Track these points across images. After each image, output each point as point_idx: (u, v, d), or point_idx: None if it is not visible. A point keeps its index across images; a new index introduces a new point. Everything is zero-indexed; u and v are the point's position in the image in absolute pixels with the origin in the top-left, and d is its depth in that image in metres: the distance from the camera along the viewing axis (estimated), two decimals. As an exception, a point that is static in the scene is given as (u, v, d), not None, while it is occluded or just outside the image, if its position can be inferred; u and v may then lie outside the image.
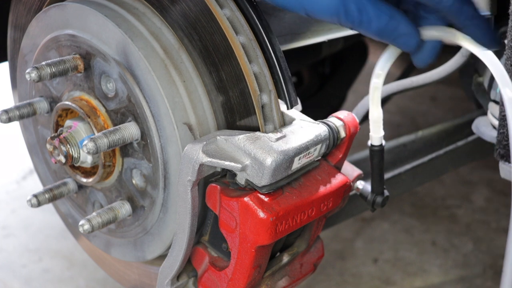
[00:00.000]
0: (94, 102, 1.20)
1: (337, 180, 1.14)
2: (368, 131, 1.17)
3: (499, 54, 1.37)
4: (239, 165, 1.04)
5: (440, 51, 1.10)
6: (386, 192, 1.26)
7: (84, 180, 1.26)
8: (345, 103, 2.42)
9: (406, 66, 2.16)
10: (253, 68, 1.10)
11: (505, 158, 1.21)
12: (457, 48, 1.40)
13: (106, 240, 1.32)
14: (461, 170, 2.64)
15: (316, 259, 1.24)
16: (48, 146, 1.23)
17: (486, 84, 1.41)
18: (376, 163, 1.20)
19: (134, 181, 1.20)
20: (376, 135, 1.17)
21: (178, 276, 1.18)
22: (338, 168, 1.18)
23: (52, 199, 1.31)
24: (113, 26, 1.13)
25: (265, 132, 1.10)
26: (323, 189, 1.11)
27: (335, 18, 1.01)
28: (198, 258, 1.17)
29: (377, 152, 1.18)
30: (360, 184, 1.27)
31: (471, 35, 1.06)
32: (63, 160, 1.22)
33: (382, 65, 1.12)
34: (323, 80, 2.32)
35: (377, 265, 2.23)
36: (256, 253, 1.07)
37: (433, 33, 1.07)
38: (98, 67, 1.18)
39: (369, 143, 1.19)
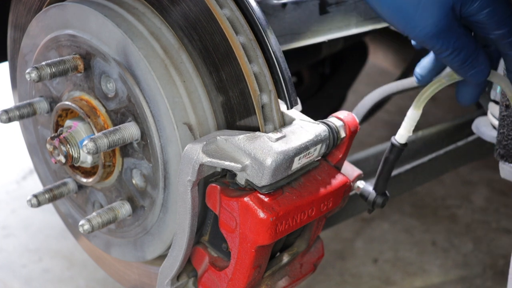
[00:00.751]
0: (94, 102, 1.20)
1: (337, 180, 1.14)
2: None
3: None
4: (239, 165, 1.04)
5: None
6: (386, 193, 1.26)
7: (84, 180, 1.26)
8: (345, 103, 2.42)
9: (406, 66, 2.16)
10: (253, 68, 1.10)
11: (505, 158, 1.21)
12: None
13: (106, 240, 1.32)
14: (461, 170, 2.64)
15: (316, 259, 1.24)
16: (48, 146, 1.23)
17: (486, 84, 1.41)
18: (391, 160, 1.19)
19: (134, 181, 1.20)
20: (406, 133, 1.17)
21: (178, 276, 1.18)
22: (338, 168, 1.18)
23: (52, 199, 1.31)
24: (113, 26, 1.13)
25: (265, 132, 1.10)
26: (323, 189, 1.11)
27: (429, 44, 1.07)
28: (198, 258, 1.17)
29: (398, 150, 1.18)
30: (360, 184, 1.27)
31: None
32: (63, 160, 1.22)
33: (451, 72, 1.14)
34: (323, 80, 2.32)
35: (377, 265, 2.23)
36: (256, 253, 1.07)
37: (498, 79, 1.13)
38: (98, 67, 1.18)
39: (393, 139, 1.18)
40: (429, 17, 1.05)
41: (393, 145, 1.18)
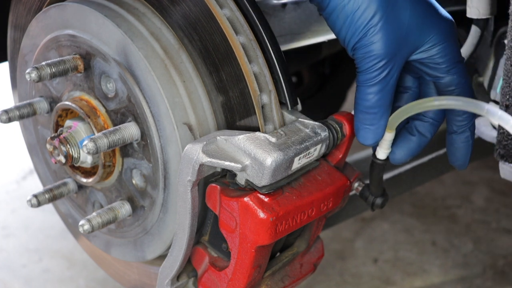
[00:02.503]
0: (94, 102, 1.20)
1: (337, 180, 1.14)
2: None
3: (499, 54, 1.37)
4: (239, 165, 1.04)
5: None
6: (386, 193, 1.25)
7: (84, 180, 1.26)
8: (345, 103, 2.42)
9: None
10: (253, 68, 1.10)
11: (505, 158, 1.21)
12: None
13: (106, 240, 1.32)
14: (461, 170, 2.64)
15: (316, 259, 1.24)
16: (48, 146, 1.23)
17: (486, 84, 1.41)
18: (376, 174, 1.18)
19: (134, 181, 1.20)
20: (386, 151, 1.15)
21: (178, 276, 1.18)
22: (338, 168, 1.18)
23: (52, 199, 1.31)
24: (113, 26, 1.13)
25: (265, 132, 1.10)
26: (323, 189, 1.11)
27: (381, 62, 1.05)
28: (198, 258, 1.17)
29: (380, 165, 1.17)
30: (359, 184, 1.27)
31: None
32: (63, 160, 1.22)
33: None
34: (323, 80, 2.31)
35: (377, 265, 2.23)
36: (256, 253, 1.07)
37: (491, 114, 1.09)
38: (98, 67, 1.18)
39: (373, 157, 1.16)
40: (379, 39, 1.04)
41: (374, 162, 1.16)
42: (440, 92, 1.12)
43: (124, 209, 1.22)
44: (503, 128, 1.20)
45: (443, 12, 1.09)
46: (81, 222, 1.20)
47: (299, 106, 1.16)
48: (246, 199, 1.05)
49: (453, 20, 1.10)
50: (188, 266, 1.19)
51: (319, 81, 2.31)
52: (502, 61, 1.31)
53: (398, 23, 1.04)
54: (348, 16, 1.04)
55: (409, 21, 1.05)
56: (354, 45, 1.06)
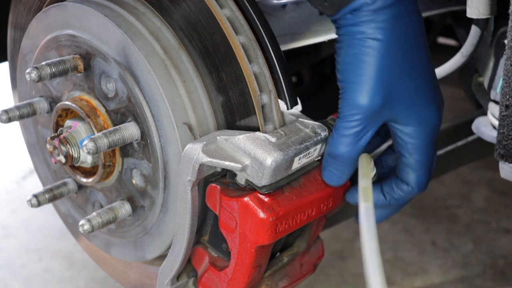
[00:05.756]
0: (94, 102, 1.20)
1: (337, 180, 1.14)
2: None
3: (499, 54, 1.37)
4: (239, 165, 1.04)
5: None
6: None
7: (84, 180, 1.26)
8: (345, 103, 2.41)
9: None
10: (253, 68, 1.10)
11: (505, 158, 1.21)
12: (457, 48, 1.41)
13: (106, 240, 1.32)
14: (461, 170, 2.64)
15: (316, 259, 1.24)
16: (48, 146, 1.23)
17: (486, 84, 1.41)
18: None
19: (134, 181, 1.20)
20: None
21: (178, 276, 1.18)
22: (338, 168, 1.18)
23: (52, 199, 1.31)
24: (113, 26, 1.13)
25: (265, 132, 1.10)
26: (323, 189, 1.11)
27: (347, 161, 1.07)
28: (198, 258, 1.17)
29: None
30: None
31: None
32: (63, 160, 1.22)
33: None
34: (323, 80, 2.31)
35: (377, 265, 2.22)
36: (256, 253, 1.07)
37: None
38: (98, 67, 1.18)
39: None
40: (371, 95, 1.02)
41: None
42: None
43: (124, 209, 1.22)
44: (503, 128, 1.20)
45: (436, 102, 1.09)
46: (81, 222, 1.20)
47: (299, 106, 1.16)
48: (246, 199, 1.05)
49: (438, 117, 1.09)
50: (188, 266, 1.19)
51: (319, 81, 2.31)
52: (502, 61, 1.32)
53: (388, 87, 1.02)
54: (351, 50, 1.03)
55: (399, 92, 1.03)
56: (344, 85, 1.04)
